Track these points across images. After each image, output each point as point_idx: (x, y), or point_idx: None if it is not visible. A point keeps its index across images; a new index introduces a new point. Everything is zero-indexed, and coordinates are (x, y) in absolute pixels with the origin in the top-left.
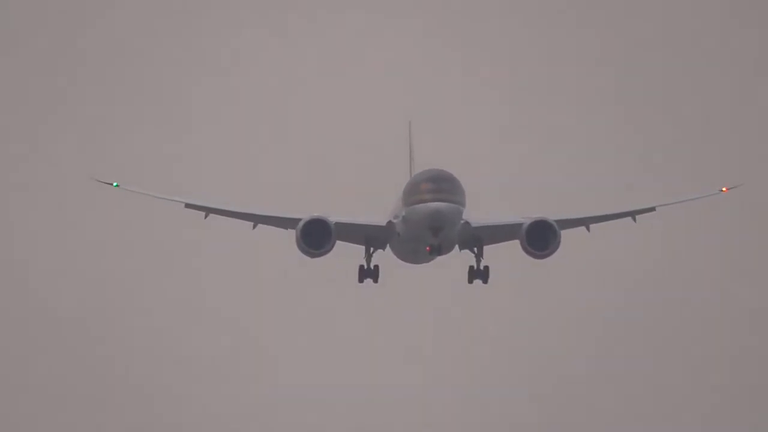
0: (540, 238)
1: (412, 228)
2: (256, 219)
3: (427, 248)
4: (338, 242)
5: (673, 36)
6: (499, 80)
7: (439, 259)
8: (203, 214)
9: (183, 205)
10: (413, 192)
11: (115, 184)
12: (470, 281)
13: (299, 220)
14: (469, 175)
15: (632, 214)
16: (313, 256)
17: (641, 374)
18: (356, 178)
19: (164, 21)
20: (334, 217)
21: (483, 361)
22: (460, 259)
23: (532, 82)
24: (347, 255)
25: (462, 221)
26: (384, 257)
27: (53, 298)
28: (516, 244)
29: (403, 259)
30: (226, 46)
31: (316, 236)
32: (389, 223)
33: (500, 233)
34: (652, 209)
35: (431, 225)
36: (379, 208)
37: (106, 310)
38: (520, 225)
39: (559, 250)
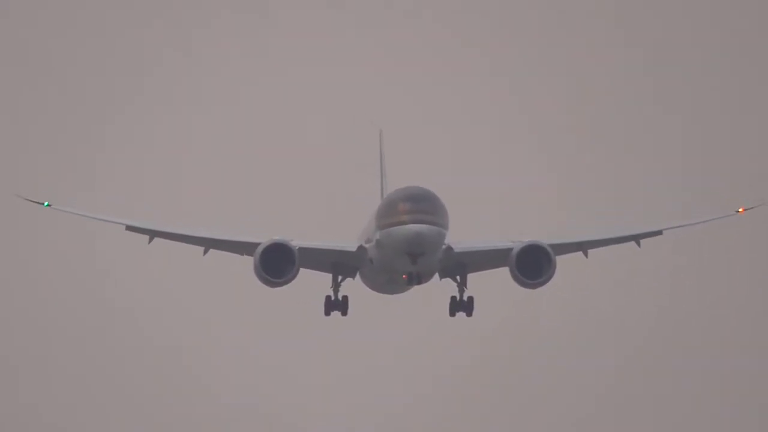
0: (532, 264)
1: (387, 254)
2: (208, 243)
3: (404, 276)
4: (302, 270)
5: (682, 48)
6: (487, 89)
7: (417, 289)
8: (147, 237)
9: (123, 227)
10: (389, 213)
11: (46, 203)
12: (452, 314)
13: (258, 244)
14: (451, 193)
15: (636, 238)
16: (273, 285)
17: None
18: (321, 197)
19: (102, 23)
20: (297, 242)
21: (466, 405)
22: (440, 288)
23: (526, 91)
24: (312, 284)
25: (444, 246)
26: (353, 287)
27: None
28: (504, 271)
29: (375, 289)
30: (176, 50)
31: (276, 263)
32: (360, 248)
33: (487, 259)
34: (659, 233)
35: (410, 250)
36: (347, 230)
37: (25, 344)
38: (509, 250)
39: (553, 278)
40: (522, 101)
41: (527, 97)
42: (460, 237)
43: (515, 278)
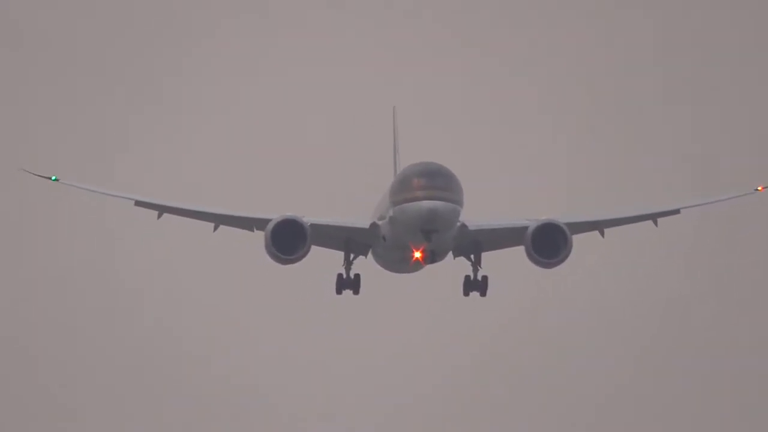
0: (548, 243)
1: (400, 231)
2: (218, 219)
3: (418, 254)
4: (313, 247)
5: (697, 32)
6: (500, 64)
7: (430, 268)
8: (156, 213)
9: (132, 202)
10: (403, 189)
11: (53, 177)
12: (466, 293)
13: (269, 220)
14: (464, 170)
15: (653, 216)
16: (284, 262)
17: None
18: (334, 173)
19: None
20: (308, 218)
21: (480, 386)
22: (454, 267)
23: (538, 69)
24: (323, 262)
25: (458, 223)
26: (365, 265)
27: None
28: (519, 250)
29: (387, 268)
30: (194, 35)
31: (288, 239)
32: (373, 224)
33: (502, 238)
34: (677, 211)
35: (424, 227)
36: (359, 207)
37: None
38: (524, 228)
39: (569, 258)
40: (536, 79)
41: (542, 76)
42: (474, 215)
43: (530, 257)
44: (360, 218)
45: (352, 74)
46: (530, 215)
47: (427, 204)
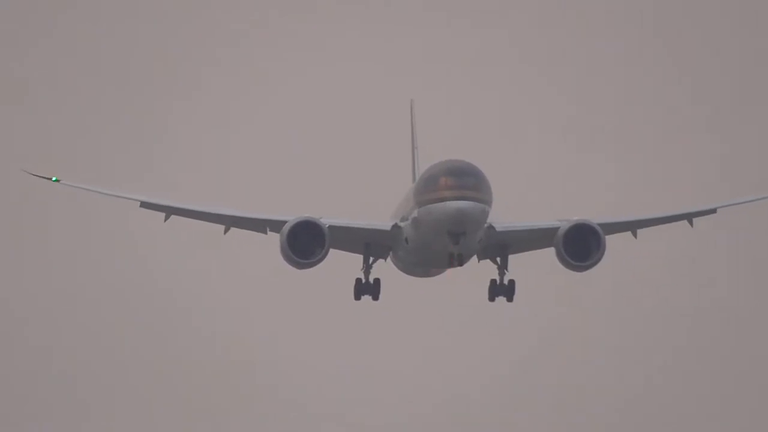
0: (580, 245)
1: (425, 233)
2: (230, 221)
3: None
4: (330, 250)
5: (725, 25)
6: (527, 58)
7: (453, 271)
8: (163, 215)
9: (138, 204)
10: (429, 188)
11: (54, 178)
12: (491, 299)
13: (285, 222)
14: (490, 168)
15: (689, 216)
16: (301, 267)
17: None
18: (348, 171)
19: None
20: (326, 219)
21: (508, 397)
22: (479, 271)
23: (567, 66)
24: (340, 266)
25: (485, 225)
26: (384, 269)
27: None
28: (547, 253)
29: (408, 272)
30: (201, 33)
31: (305, 242)
32: (395, 226)
33: (531, 240)
34: (713, 211)
35: (451, 229)
36: (376, 207)
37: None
38: (555, 229)
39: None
40: (566, 77)
41: (571, 73)
42: (501, 216)
43: (561, 260)
44: (379, 219)
45: (366, 68)
46: (558, 216)
47: (455, 204)
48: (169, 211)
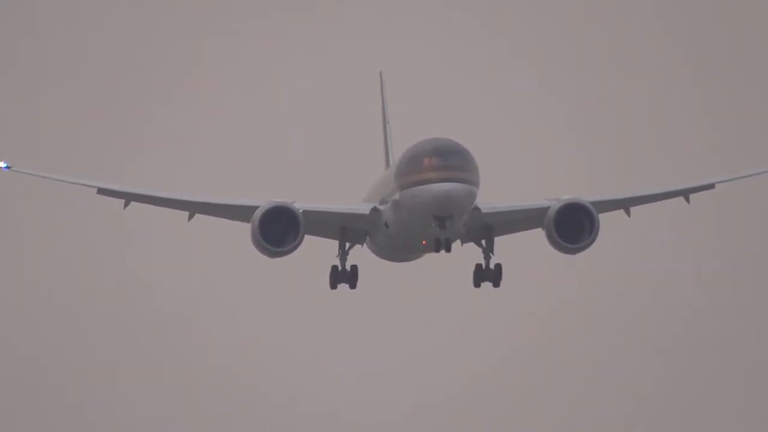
0: (571, 226)
1: (409, 217)
2: (196, 207)
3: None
4: (306, 237)
5: (729, 10)
6: (517, 38)
7: (434, 256)
8: (122, 202)
9: (95, 190)
10: (412, 169)
11: (5, 165)
12: (477, 284)
13: (256, 207)
14: (473, 146)
15: (686, 192)
16: (273, 255)
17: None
18: (317, 154)
19: None
20: (299, 204)
21: (496, 388)
22: (463, 255)
23: (561, 42)
24: (314, 252)
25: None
26: (360, 255)
27: None
28: (536, 234)
29: (385, 257)
30: (180, 24)
31: (278, 229)
32: (374, 210)
33: (519, 221)
34: (711, 186)
35: (438, 213)
36: (347, 188)
37: None
38: (545, 209)
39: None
40: (557, 52)
41: (563, 48)
42: (485, 196)
43: (552, 242)
44: (350, 201)
45: (366, 68)
46: (545, 195)
47: (441, 187)
48: (129, 197)
